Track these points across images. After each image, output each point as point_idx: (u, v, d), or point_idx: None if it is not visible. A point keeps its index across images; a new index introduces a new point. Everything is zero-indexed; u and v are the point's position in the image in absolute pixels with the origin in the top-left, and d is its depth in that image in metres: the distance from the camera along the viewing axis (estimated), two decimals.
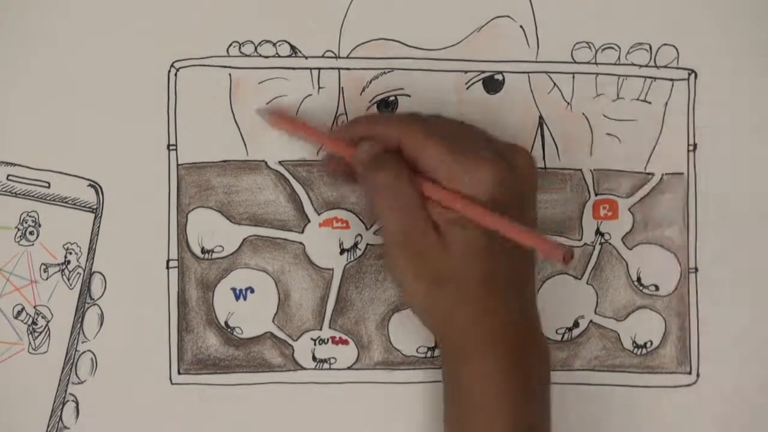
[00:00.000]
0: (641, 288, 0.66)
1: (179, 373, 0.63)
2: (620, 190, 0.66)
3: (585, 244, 0.66)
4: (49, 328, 0.62)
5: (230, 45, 0.63)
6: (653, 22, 0.65)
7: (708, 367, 0.66)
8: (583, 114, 0.65)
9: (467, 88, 0.64)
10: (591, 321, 0.66)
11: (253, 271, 0.64)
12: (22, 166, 0.62)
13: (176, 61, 0.63)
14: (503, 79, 0.65)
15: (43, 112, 0.63)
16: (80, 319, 0.63)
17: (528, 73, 0.65)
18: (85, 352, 0.63)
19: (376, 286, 0.65)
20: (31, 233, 0.62)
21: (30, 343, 0.62)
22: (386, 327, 0.65)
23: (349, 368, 0.64)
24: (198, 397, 0.64)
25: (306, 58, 0.64)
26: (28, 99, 0.63)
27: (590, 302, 0.66)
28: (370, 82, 0.64)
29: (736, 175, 0.66)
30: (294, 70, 0.64)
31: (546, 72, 0.65)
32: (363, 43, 0.64)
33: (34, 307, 0.62)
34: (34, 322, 0.62)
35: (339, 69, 0.64)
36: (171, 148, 0.63)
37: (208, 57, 0.63)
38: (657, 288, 0.66)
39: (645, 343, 0.66)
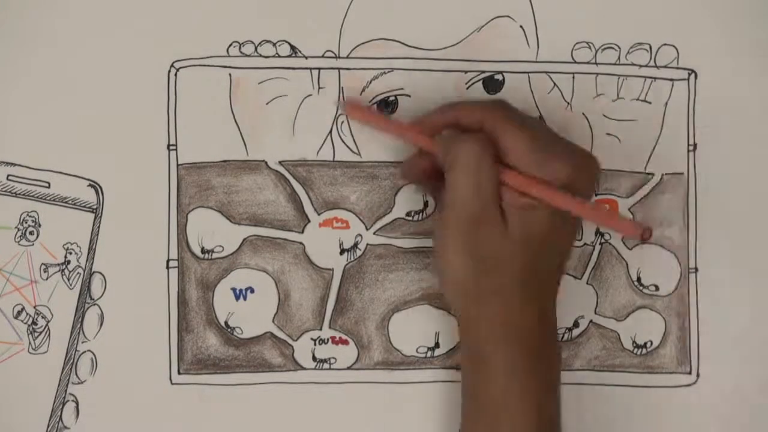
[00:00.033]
0: (641, 288, 0.66)
1: (179, 373, 0.63)
2: (620, 190, 0.65)
3: (585, 244, 0.65)
4: (49, 328, 0.62)
5: (230, 45, 0.63)
6: (653, 22, 0.65)
7: (708, 367, 0.66)
8: (583, 114, 0.65)
9: (467, 88, 0.64)
10: (591, 321, 0.66)
11: (253, 271, 0.64)
12: (22, 166, 0.62)
13: (176, 61, 0.63)
14: (503, 79, 0.65)
15: (43, 112, 0.63)
16: (80, 319, 0.63)
17: (528, 73, 0.65)
18: (85, 352, 0.63)
19: (376, 286, 0.65)
20: (31, 233, 0.62)
21: (30, 343, 0.62)
22: (386, 327, 0.64)
23: (349, 368, 0.64)
24: (198, 397, 0.64)
25: (306, 58, 0.64)
26: (28, 99, 0.63)
27: (590, 302, 0.66)
28: (370, 82, 0.64)
29: (736, 175, 0.66)
30: (294, 70, 0.64)
31: (546, 72, 0.65)
32: (363, 43, 0.64)
33: (34, 307, 0.62)
34: (34, 322, 0.62)
35: (339, 69, 0.64)
36: (171, 148, 0.63)
37: (208, 57, 0.63)
38: (657, 288, 0.66)
39: (645, 343, 0.66)
